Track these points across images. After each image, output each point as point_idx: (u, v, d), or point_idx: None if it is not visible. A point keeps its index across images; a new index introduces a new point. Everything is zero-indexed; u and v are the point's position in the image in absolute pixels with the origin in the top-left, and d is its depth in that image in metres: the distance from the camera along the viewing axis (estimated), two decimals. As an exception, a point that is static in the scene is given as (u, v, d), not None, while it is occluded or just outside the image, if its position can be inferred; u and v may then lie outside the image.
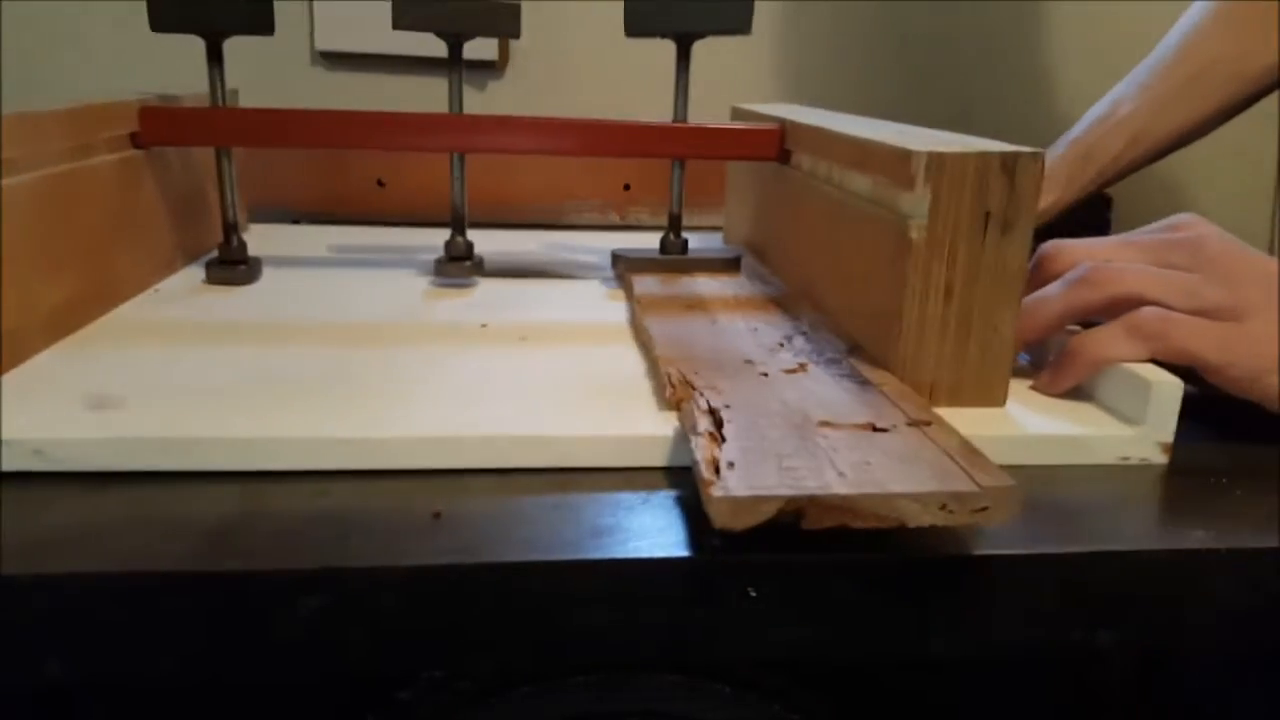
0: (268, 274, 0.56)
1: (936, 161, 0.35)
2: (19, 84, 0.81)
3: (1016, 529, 0.31)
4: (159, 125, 0.51)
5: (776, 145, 0.55)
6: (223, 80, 0.51)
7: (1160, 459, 0.37)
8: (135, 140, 0.51)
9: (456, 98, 0.53)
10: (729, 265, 0.57)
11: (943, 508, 0.28)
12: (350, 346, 0.43)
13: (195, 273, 0.55)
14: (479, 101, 0.85)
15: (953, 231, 0.36)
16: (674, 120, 0.55)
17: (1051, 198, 0.73)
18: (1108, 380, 0.38)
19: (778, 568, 0.29)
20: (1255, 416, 0.39)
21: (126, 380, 0.38)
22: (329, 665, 0.29)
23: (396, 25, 0.50)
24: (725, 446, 0.30)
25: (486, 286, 0.55)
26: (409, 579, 0.28)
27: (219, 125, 0.51)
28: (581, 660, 0.32)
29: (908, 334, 0.37)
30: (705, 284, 0.54)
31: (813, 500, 0.27)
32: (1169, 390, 0.36)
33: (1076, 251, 0.42)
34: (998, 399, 0.38)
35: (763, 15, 0.90)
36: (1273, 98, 0.81)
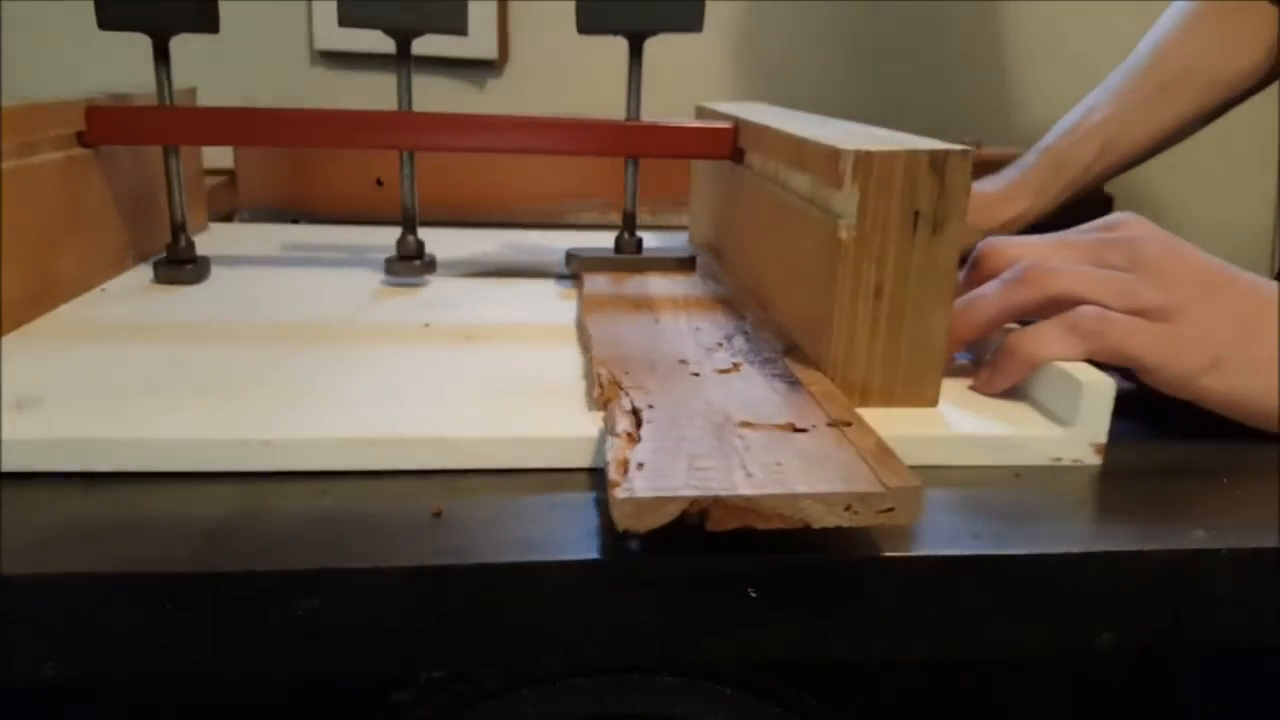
0: (219, 273, 0.55)
1: (864, 160, 0.35)
2: (19, 83, 0.81)
3: (944, 530, 0.31)
4: (104, 124, 0.51)
5: (729, 144, 0.54)
6: (169, 79, 0.51)
7: (1093, 460, 0.36)
8: (81, 139, 0.50)
9: (405, 95, 0.52)
10: (683, 265, 0.57)
11: (847, 509, 0.27)
12: (283, 346, 0.43)
13: (146, 272, 0.55)
14: (478, 100, 0.85)
15: (882, 231, 0.36)
16: (627, 118, 0.54)
17: (1022, 206, 0.72)
18: (1042, 380, 0.38)
19: (775, 568, 0.29)
20: (1195, 416, 0.38)
21: (52, 379, 0.37)
22: (328, 666, 0.29)
23: (342, 23, 0.50)
24: (639, 447, 0.30)
25: (439, 286, 0.55)
26: (407, 579, 0.28)
27: (163, 124, 0.51)
28: (581, 661, 0.32)
29: (838, 334, 0.37)
30: (657, 283, 0.53)
31: (717, 501, 0.27)
32: (1101, 390, 0.36)
33: (1014, 250, 0.41)
34: (930, 399, 0.38)
35: (751, 14, 0.90)
36: (1274, 102, 0.81)
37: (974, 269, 0.42)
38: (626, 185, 0.56)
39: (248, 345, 0.43)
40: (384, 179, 0.75)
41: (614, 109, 0.55)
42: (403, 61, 0.52)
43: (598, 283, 0.53)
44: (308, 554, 0.29)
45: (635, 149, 0.55)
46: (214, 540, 0.29)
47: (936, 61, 0.98)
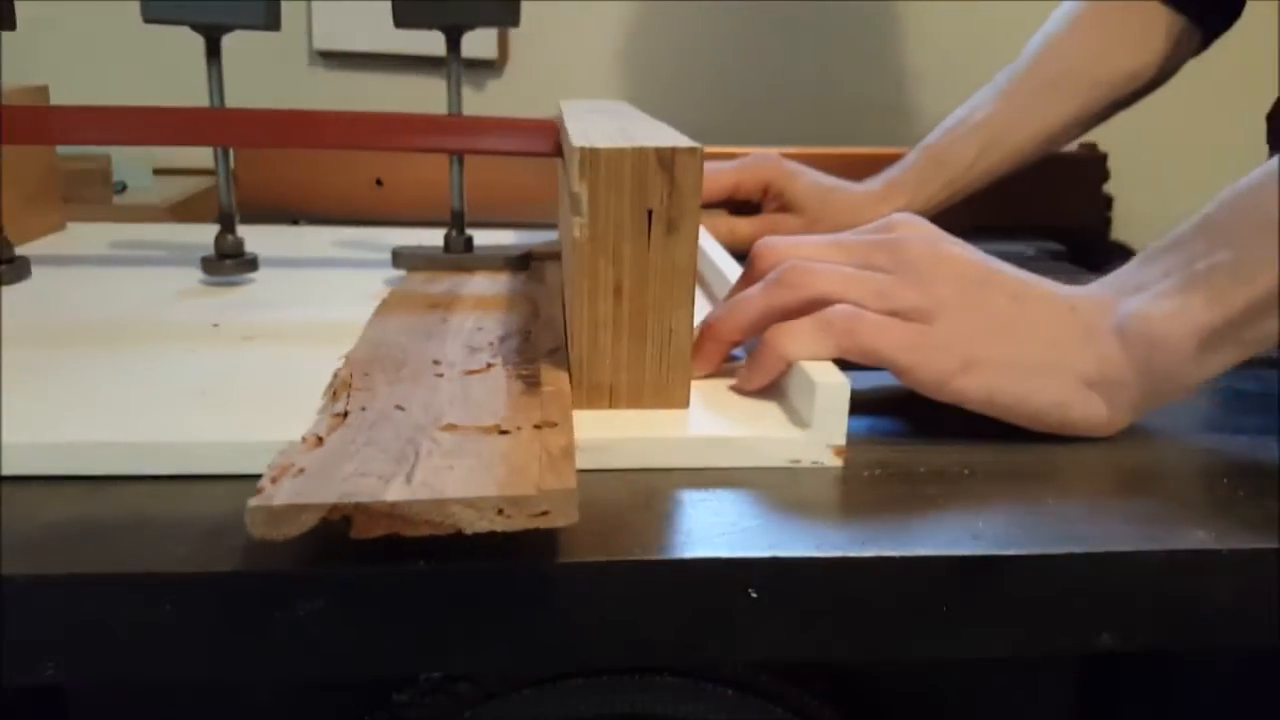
0: (43, 274, 0.55)
1: (590, 158, 0.35)
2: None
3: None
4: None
5: (552, 141, 0.54)
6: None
7: (833, 462, 0.36)
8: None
9: (217, 92, 0.52)
10: (515, 263, 0.56)
11: (500, 512, 0.27)
12: (49, 348, 0.42)
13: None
14: (478, 101, 0.84)
15: (615, 230, 0.35)
16: (448, 113, 0.54)
17: (898, 204, 0.72)
18: (791, 381, 0.38)
19: (778, 567, 0.29)
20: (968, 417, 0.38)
21: None
22: (329, 666, 0.29)
23: (145, 19, 0.49)
24: (316, 451, 0.30)
25: (262, 284, 0.54)
26: (408, 580, 0.28)
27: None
28: (582, 661, 0.32)
29: (580, 334, 0.36)
30: (476, 283, 0.53)
31: (358, 508, 0.26)
32: (835, 392, 0.35)
33: (783, 250, 0.41)
34: (680, 400, 0.37)
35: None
36: (1272, 98, 0.80)
37: (748, 268, 0.42)
38: (452, 181, 0.56)
39: (11, 348, 0.42)
40: (383, 179, 0.74)
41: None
42: (212, 60, 0.51)
43: (413, 281, 0.52)
44: (307, 555, 0.28)
45: (451, 144, 0.54)
46: (213, 541, 0.29)
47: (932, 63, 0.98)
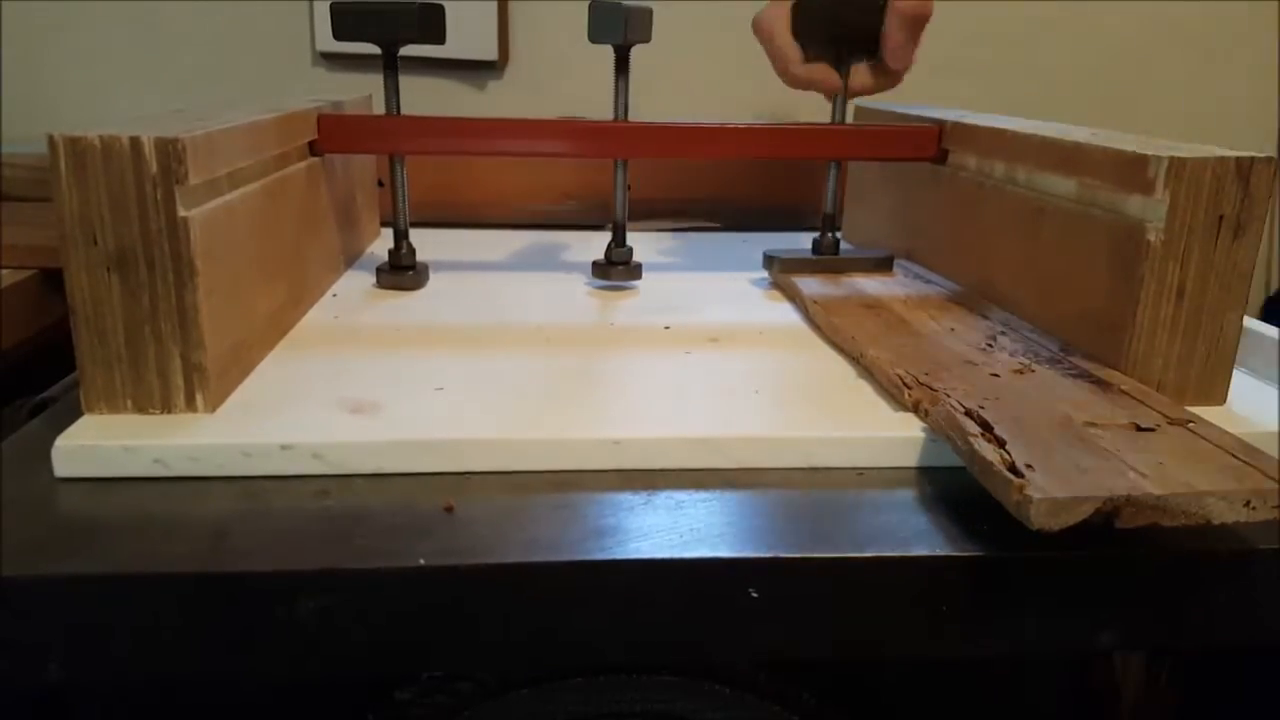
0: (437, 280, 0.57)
1: (1176, 166, 0.36)
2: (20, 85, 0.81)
3: None
4: (334, 133, 0.52)
5: (935, 145, 0.55)
6: None
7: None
8: (313, 148, 0.52)
9: (622, 105, 0.53)
10: (882, 265, 0.58)
11: (1246, 504, 0.29)
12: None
13: (358, 276, 0.56)
14: (479, 101, 0.85)
15: (1187, 234, 0.37)
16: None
17: None
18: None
19: (776, 567, 0.29)
20: None
21: (378, 383, 0.39)
22: (329, 665, 0.29)
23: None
24: (1010, 447, 0.31)
25: (647, 289, 0.56)
26: (410, 579, 0.28)
27: (389, 134, 0.52)
28: (582, 660, 0.32)
29: (1140, 334, 0.38)
30: (868, 284, 0.54)
31: (1130, 500, 0.28)
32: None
33: None
34: (1220, 397, 0.39)
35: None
36: (1273, 102, 0.81)
37: None
38: (828, 186, 0.57)
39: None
40: (384, 180, 0.75)
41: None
42: (619, 74, 0.53)
43: (811, 284, 0.54)
44: (309, 554, 0.29)
45: (842, 151, 0.56)
46: (215, 541, 0.29)
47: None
